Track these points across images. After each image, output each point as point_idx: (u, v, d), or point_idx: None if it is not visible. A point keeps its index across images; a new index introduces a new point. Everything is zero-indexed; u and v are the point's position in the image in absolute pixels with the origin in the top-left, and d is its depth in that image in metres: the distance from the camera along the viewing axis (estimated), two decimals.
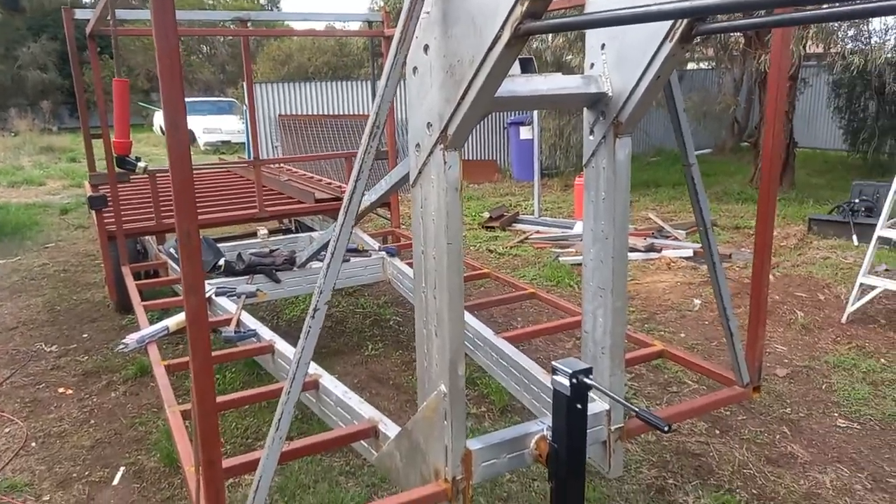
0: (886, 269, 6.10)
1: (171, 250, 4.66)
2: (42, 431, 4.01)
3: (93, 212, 5.22)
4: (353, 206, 1.85)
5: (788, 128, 10.45)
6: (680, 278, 6.43)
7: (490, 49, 1.64)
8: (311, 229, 6.89)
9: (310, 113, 12.60)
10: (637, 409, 2.04)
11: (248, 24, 4.99)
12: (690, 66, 15.20)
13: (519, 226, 8.90)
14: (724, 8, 1.22)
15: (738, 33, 10.29)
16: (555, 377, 2.10)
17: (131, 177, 4.88)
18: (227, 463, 2.03)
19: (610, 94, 2.11)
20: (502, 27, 1.59)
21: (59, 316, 6.14)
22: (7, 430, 4.05)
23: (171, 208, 5.78)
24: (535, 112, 10.49)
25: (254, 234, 6.09)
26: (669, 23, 1.87)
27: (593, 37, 2.17)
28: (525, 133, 12.04)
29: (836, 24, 8.63)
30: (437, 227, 1.97)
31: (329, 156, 7.25)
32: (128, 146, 3.31)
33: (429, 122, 1.91)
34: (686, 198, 10.25)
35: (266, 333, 3.55)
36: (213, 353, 3.56)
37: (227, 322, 3.78)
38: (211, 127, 20.28)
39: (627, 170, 2.19)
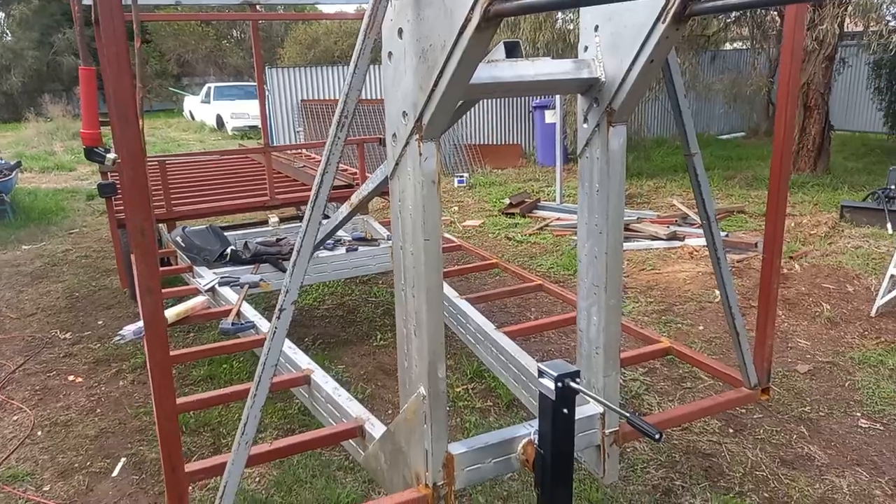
0: None
1: (178, 239, 4.64)
2: (49, 420, 4.03)
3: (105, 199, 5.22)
4: (321, 200, 1.75)
5: (824, 110, 10.04)
6: (702, 268, 6.21)
7: (460, 33, 1.52)
8: (326, 216, 6.82)
9: (334, 98, 12.53)
10: (628, 415, 1.92)
11: (258, 7, 4.91)
12: (725, 46, 14.71)
13: (540, 212, 8.73)
14: None
15: (774, 10, 9.89)
16: (540, 380, 1.98)
17: (110, 164, 4.82)
18: (191, 467, 1.96)
19: (603, 79, 1.97)
20: (472, 9, 1.47)
21: (77, 303, 6.20)
22: (15, 418, 4.09)
23: (181, 195, 5.78)
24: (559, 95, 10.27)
25: (265, 222, 6.05)
26: (662, 2, 1.72)
27: (587, 17, 2.02)
28: (550, 117, 11.79)
29: None
30: (414, 222, 1.87)
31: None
32: (97, 137, 3.23)
33: (404, 111, 1.80)
34: (714, 183, 9.96)
35: (265, 325, 3.49)
36: (207, 346, 3.54)
37: (228, 313, 3.74)
38: (238, 112, 20.35)
39: (622, 160, 2.05)
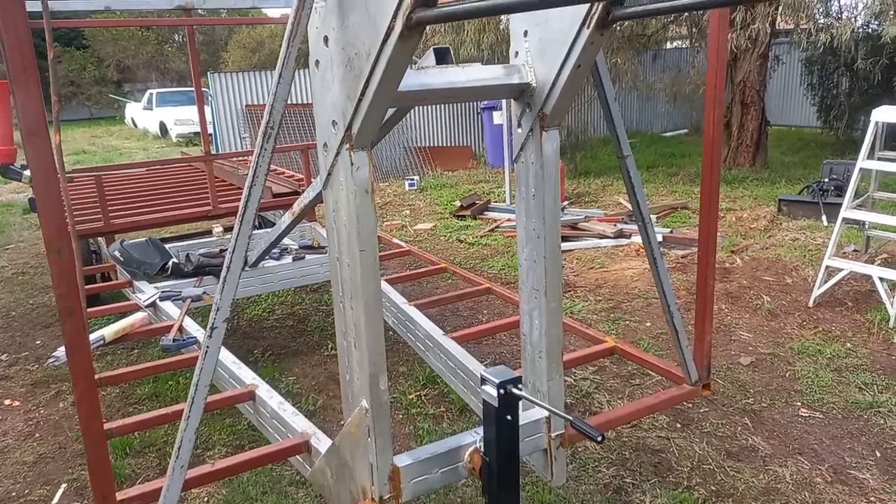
0: (855, 250, 6.04)
1: (116, 253, 4.48)
2: None
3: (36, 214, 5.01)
4: (249, 214, 1.70)
5: (760, 106, 10.37)
6: (648, 265, 6.33)
7: (384, 41, 1.50)
8: (271, 223, 6.71)
9: None
10: (571, 419, 1.92)
11: (192, 12, 4.78)
12: (666, 45, 15.06)
13: (491, 214, 8.77)
14: None
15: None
16: (483, 387, 1.97)
17: (73, 177, 4.67)
18: (125, 494, 1.89)
19: (534, 84, 1.97)
20: (394, 17, 1.44)
21: (14, 322, 5.95)
22: None
23: (120, 207, 5.59)
24: None
25: (210, 232, 5.90)
26: (586, 8, 1.73)
27: (517, 23, 2.03)
28: (498, 118, 11.87)
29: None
30: (348, 233, 1.83)
31: (284, 148, 7.06)
32: (12, 153, 3.08)
33: (334, 121, 1.77)
34: (658, 180, 10.18)
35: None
36: (141, 366, 3.43)
37: (169, 329, 3.63)
38: (183, 118, 19.88)
39: (556, 164, 2.05)
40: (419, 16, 1.41)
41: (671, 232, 7.11)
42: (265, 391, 2.80)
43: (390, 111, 2.21)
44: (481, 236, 7.82)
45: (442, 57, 1.90)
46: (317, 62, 1.77)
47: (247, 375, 2.96)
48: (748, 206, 8.23)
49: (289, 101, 1.69)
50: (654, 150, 12.70)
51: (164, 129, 21.23)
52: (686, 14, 9.68)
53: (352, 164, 1.75)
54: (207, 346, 1.71)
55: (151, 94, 23.01)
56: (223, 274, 1.72)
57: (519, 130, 2.10)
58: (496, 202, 9.34)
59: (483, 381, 1.97)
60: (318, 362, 4.80)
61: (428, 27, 1.52)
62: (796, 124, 14.81)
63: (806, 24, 8.82)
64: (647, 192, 9.47)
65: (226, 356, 3.20)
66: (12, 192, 13.20)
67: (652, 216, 7.67)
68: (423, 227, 8.47)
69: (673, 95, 11.73)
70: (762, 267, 6.00)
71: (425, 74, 1.85)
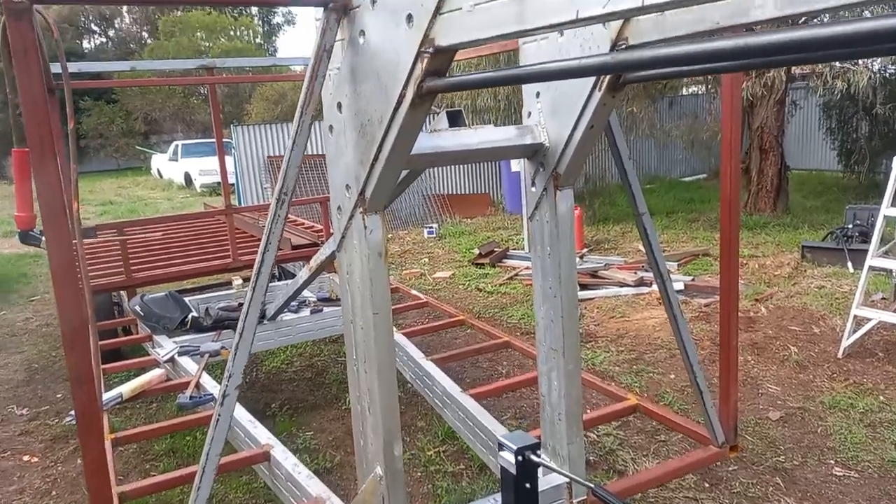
0: (883, 298, 5.89)
1: (137, 308, 4.52)
2: None
3: None
4: (262, 279, 1.70)
5: (779, 152, 10.32)
6: None
7: (396, 108, 1.51)
8: (293, 275, 6.74)
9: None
10: (593, 486, 1.85)
11: (213, 71, 4.92)
12: (682, 91, 15.16)
13: (509, 261, 8.73)
14: (645, 64, 1.08)
15: None
16: (501, 454, 1.92)
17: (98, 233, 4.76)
18: None
19: (547, 144, 1.97)
20: (405, 85, 1.46)
21: (36, 375, 5.99)
22: None
23: (142, 260, 5.66)
24: None
25: (230, 283, 5.94)
26: None
27: (529, 84, 2.04)
28: (515, 165, 11.94)
29: None
30: (362, 296, 1.82)
31: (302, 201, 7.15)
32: (31, 220, 3.14)
33: (347, 184, 1.78)
34: (678, 226, 10.10)
35: None
36: (162, 424, 3.41)
37: (187, 385, 3.61)
38: (207, 168, 20.30)
39: (571, 223, 2.04)
40: (430, 85, 1.42)
41: (693, 280, 7.01)
42: (280, 452, 2.76)
43: (403, 172, 2.22)
44: (500, 284, 7.77)
45: (455, 119, 1.91)
46: (331, 127, 1.79)
47: (262, 435, 2.93)
48: (771, 252, 8.11)
49: (309, 152, 1.69)
50: (672, 196, 12.64)
51: (188, 179, 21.68)
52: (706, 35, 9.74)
53: (365, 227, 1.75)
54: (219, 415, 1.68)
55: (177, 145, 23.60)
56: (235, 340, 1.70)
57: (533, 189, 2.10)
58: (515, 249, 9.31)
59: (501, 446, 1.91)
60: (335, 416, 4.73)
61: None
62: (817, 168, 14.70)
63: (822, 69, 8.83)
64: (667, 239, 9.40)
65: (241, 414, 3.17)
66: (42, 244, 13.45)
67: (673, 263, 7.59)
68: (442, 276, 8.45)
69: (690, 142, 11.72)
70: (788, 316, 5.87)
71: (438, 137, 1.86)
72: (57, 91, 4.47)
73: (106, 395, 3.44)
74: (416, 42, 1.38)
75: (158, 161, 25.59)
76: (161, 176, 24.99)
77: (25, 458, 4.42)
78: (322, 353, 6.05)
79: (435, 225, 11.39)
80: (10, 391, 5.64)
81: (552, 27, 1.10)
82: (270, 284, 6.02)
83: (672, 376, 4.90)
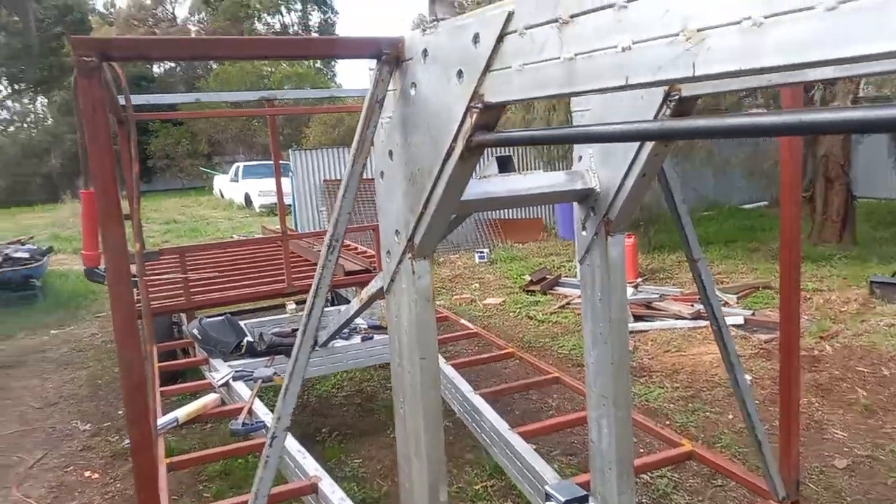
0: None
1: (195, 331, 4.65)
2: None
3: None
4: (311, 328, 1.72)
5: (846, 181, 9.93)
6: None
7: (445, 160, 1.52)
8: (347, 301, 6.84)
9: None
10: None
11: (273, 102, 5.08)
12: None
13: (561, 289, 8.63)
14: (698, 133, 1.06)
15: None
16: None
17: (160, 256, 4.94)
18: None
19: (598, 189, 1.95)
20: (455, 138, 1.47)
21: (99, 391, 6.22)
22: None
23: (200, 283, 5.84)
24: None
25: (283, 306, 6.06)
26: (651, 116, 1.71)
27: None
28: None
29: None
30: (409, 339, 1.83)
31: (355, 229, 7.27)
32: (97, 258, 3.28)
33: (396, 230, 1.79)
34: (738, 257, 9.79)
35: None
36: (215, 450, 3.48)
37: (240, 411, 3.69)
38: (265, 190, 20.88)
39: (623, 268, 2.00)
40: (479, 139, 1.43)
41: (753, 314, 6.77)
42: (328, 485, 2.78)
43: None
44: (551, 313, 7.68)
45: (504, 165, 1.92)
46: (382, 173, 1.82)
47: (311, 466, 2.95)
48: (837, 286, 7.76)
49: (370, 177, 1.70)
50: (732, 224, 12.29)
51: (248, 199, 22.35)
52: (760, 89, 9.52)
53: (414, 272, 1.76)
54: (267, 457, 1.71)
55: (238, 166, 24.41)
56: (284, 383, 1.73)
57: (584, 233, 2.07)
58: (567, 277, 9.20)
59: (548, 497, 1.88)
60: (384, 444, 4.74)
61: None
62: (886, 197, 14.06)
63: (891, 93, 8.49)
64: (726, 269, 9.11)
65: (291, 444, 3.21)
66: None
67: (732, 296, 7.36)
68: (493, 302, 8.42)
69: (750, 171, 11.40)
70: (855, 356, 5.59)
71: (488, 183, 1.86)
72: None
73: (162, 420, 3.54)
74: (466, 97, 1.39)
75: (220, 181, 26.51)
76: (222, 196, 25.86)
77: (87, 473, 4.59)
78: (372, 379, 6.09)
79: (486, 250, 11.38)
80: (74, 405, 5.88)
81: (600, 90, 1.09)
82: (324, 309, 6.06)
83: (730, 416, 4.72)
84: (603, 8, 1.03)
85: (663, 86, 1.25)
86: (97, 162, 1.49)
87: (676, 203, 2.00)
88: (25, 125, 35.98)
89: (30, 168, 30.00)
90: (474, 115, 1.39)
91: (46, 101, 35.17)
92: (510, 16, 1.24)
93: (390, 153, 1.75)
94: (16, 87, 33.05)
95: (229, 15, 37.29)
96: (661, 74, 0.97)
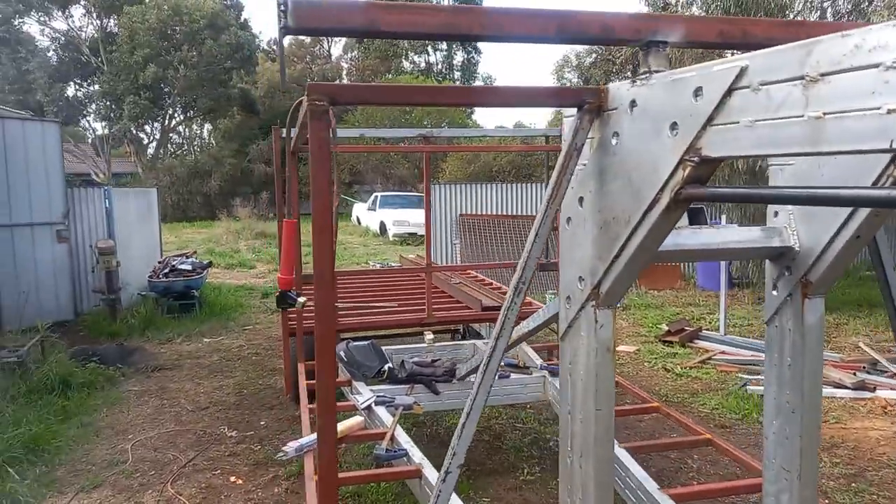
0: None
1: (342, 353, 4.85)
2: None
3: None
4: (491, 370, 1.74)
5: None
6: None
7: (647, 212, 1.50)
8: (479, 334, 6.88)
9: (490, 213, 13.01)
10: None
11: (430, 140, 5.28)
12: None
13: (701, 343, 8.19)
14: None
15: None
16: None
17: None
18: None
19: (797, 248, 1.83)
20: (661, 190, 1.44)
21: (245, 399, 6.62)
22: None
23: (346, 307, 6.10)
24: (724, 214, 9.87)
25: (421, 334, 6.20)
26: (874, 175, 1.59)
27: (777, 182, 1.92)
28: None
29: None
30: (584, 388, 1.79)
31: (493, 265, 7.33)
32: (291, 282, 3.50)
33: (580, 276, 1.78)
34: None
35: (416, 455, 3.48)
36: (362, 472, 3.58)
37: (382, 436, 3.79)
38: (400, 219, 21.67)
39: (820, 335, 1.86)
40: (689, 192, 1.39)
41: None
42: None
43: None
44: (691, 367, 7.30)
45: (695, 217, 1.85)
46: (568, 219, 1.82)
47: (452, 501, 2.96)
48: None
49: (504, 212, 1.71)
50: None
51: (383, 228, 23.27)
52: None
53: (596, 321, 1.73)
54: (439, 491, 1.73)
55: (376, 196, 25.55)
56: (462, 420, 1.75)
57: (774, 293, 1.95)
58: (708, 330, 8.73)
59: None
60: (512, 486, 4.68)
61: None
62: None
63: None
64: (893, 338, 8.24)
65: (434, 474, 3.24)
66: (255, 276, 15.09)
67: None
68: (626, 350, 8.13)
69: None
70: None
71: (678, 235, 1.81)
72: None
73: (310, 438, 3.69)
74: (679, 150, 1.37)
75: (358, 209, 27.84)
76: (360, 223, 27.11)
77: (232, 478, 4.87)
78: (500, 416, 6.05)
79: None
80: (222, 412, 6.29)
81: (854, 152, 1.03)
82: (454, 343, 6.19)
83: None
84: (865, 68, 0.98)
85: None
86: (318, 190, 1.61)
87: (887, 271, 1.84)
88: (192, 149, 39.91)
89: (193, 187, 33.08)
90: (687, 169, 1.36)
91: (212, 127, 38.87)
92: (743, 71, 1.21)
93: (581, 200, 1.75)
94: (188, 114, 36.78)
95: (379, 53, 39.51)
96: None
